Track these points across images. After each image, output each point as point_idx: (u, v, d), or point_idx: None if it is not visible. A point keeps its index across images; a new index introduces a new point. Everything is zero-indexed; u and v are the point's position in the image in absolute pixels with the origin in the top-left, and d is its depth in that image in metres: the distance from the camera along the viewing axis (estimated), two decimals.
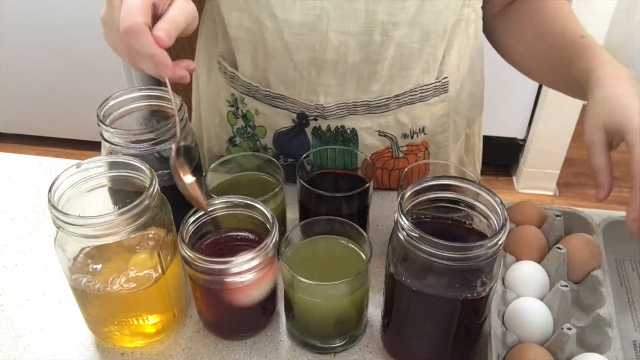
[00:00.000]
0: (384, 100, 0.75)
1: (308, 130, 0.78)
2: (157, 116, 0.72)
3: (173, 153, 0.61)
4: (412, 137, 0.80)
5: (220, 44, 0.80)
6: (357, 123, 0.77)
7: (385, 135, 0.78)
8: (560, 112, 2.04)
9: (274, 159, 0.73)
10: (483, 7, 0.77)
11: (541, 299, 0.62)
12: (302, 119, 0.77)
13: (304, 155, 0.73)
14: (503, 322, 0.61)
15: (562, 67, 0.71)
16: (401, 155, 0.81)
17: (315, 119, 0.77)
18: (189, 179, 0.60)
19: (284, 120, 0.78)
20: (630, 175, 0.58)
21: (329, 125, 0.77)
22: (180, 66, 0.59)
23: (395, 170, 0.83)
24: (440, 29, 0.71)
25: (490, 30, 0.83)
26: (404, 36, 0.69)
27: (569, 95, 0.73)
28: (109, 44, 0.60)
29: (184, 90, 0.72)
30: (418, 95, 0.76)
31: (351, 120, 0.76)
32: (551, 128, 2.08)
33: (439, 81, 0.76)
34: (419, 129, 0.79)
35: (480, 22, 0.78)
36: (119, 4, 0.55)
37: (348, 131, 0.77)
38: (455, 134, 0.84)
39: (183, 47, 0.85)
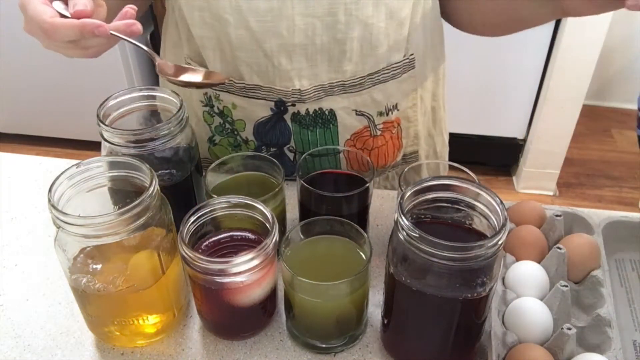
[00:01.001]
0: (358, 79, 0.77)
1: (287, 117, 0.79)
2: (157, 116, 0.72)
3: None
4: (387, 115, 0.82)
5: (185, 47, 0.81)
6: (335, 103, 0.78)
7: (363, 114, 0.80)
8: (560, 112, 2.04)
9: (273, 159, 0.73)
10: None
11: (541, 299, 0.62)
12: (280, 106, 0.78)
13: (288, 143, 0.75)
14: (503, 322, 0.61)
15: None
16: (378, 133, 0.83)
17: (294, 104, 0.78)
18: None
19: (262, 110, 0.79)
20: None
21: (307, 109, 0.78)
22: (123, 19, 0.62)
23: (375, 149, 0.84)
24: (404, 8, 0.74)
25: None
26: (369, 16, 0.71)
27: (536, 21, 0.74)
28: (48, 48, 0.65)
29: None
30: (390, 73, 0.79)
31: (328, 101, 0.78)
32: (551, 128, 2.08)
33: (407, 58, 0.79)
34: (393, 106, 0.82)
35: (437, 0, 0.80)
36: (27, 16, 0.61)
37: (327, 112, 0.79)
38: (423, 108, 0.87)
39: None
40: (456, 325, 0.57)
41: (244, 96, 0.78)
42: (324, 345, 0.64)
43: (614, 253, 0.73)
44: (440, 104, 0.91)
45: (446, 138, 0.96)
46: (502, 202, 0.55)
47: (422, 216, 0.59)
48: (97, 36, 0.61)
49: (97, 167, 0.61)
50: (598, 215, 0.73)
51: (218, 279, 0.59)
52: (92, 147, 2.06)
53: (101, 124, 0.65)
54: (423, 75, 0.83)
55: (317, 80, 0.76)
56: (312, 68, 0.75)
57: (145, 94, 0.70)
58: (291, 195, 0.77)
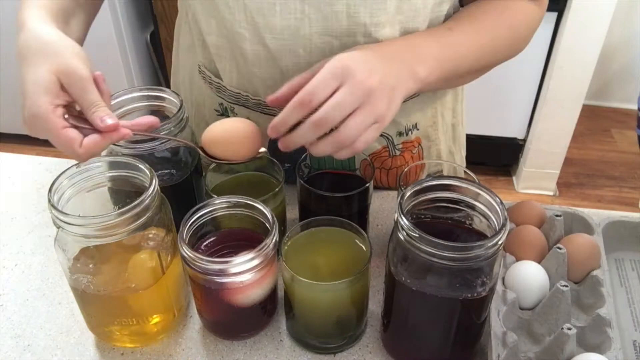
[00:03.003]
0: None
1: None
2: (157, 116, 0.72)
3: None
4: (406, 135, 0.80)
5: (199, 53, 0.78)
6: None
7: (382, 135, 0.78)
8: (560, 112, 2.04)
9: (274, 159, 0.73)
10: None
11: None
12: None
13: (301, 158, 0.73)
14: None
15: None
16: (397, 153, 0.81)
17: None
18: None
19: None
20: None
21: None
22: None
23: (393, 169, 0.83)
24: (419, 26, 0.71)
25: None
26: (386, 36, 0.69)
27: None
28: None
29: None
30: None
31: None
32: (551, 128, 2.08)
33: None
34: (412, 126, 0.80)
35: None
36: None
37: None
38: (444, 126, 0.85)
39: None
40: (456, 325, 0.57)
41: (260, 112, 0.76)
42: (324, 345, 0.64)
43: (614, 253, 0.73)
44: (459, 119, 0.89)
45: (464, 154, 0.94)
46: (502, 202, 0.55)
47: (422, 216, 0.59)
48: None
49: (97, 167, 0.61)
50: (598, 215, 0.73)
51: (218, 279, 0.59)
52: None
53: None
54: (443, 92, 0.81)
55: None
56: None
57: (146, 94, 0.70)
58: (291, 195, 0.77)
